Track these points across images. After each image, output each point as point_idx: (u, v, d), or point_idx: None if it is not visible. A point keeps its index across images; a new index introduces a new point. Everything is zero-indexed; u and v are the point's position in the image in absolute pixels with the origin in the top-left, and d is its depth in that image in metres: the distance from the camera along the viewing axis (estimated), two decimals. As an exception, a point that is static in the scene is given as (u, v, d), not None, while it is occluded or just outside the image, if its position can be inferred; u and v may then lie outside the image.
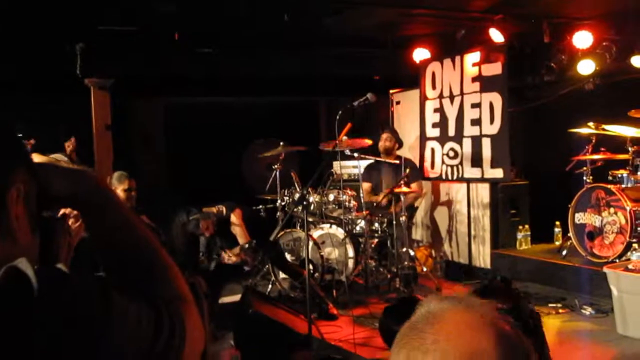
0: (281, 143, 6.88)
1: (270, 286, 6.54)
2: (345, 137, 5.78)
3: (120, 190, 5.25)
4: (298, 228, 6.73)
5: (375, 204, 6.89)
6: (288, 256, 6.42)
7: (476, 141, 7.24)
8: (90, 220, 1.16)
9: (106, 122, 7.37)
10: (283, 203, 6.83)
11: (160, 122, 8.80)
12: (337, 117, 5.06)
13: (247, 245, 6.20)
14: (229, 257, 6.61)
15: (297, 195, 6.53)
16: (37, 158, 1.11)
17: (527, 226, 7.26)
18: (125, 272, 1.15)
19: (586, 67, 7.06)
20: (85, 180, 1.14)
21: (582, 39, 6.81)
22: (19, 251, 0.97)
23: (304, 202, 5.06)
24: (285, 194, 6.82)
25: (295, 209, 6.03)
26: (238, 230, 6.05)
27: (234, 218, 6.08)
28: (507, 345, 0.93)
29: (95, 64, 7.06)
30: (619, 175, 6.32)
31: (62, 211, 1.23)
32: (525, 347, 0.96)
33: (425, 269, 6.97)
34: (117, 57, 7.23)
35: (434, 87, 7.80)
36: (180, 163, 8.49)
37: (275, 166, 6.91)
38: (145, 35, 6.96)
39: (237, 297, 5.22)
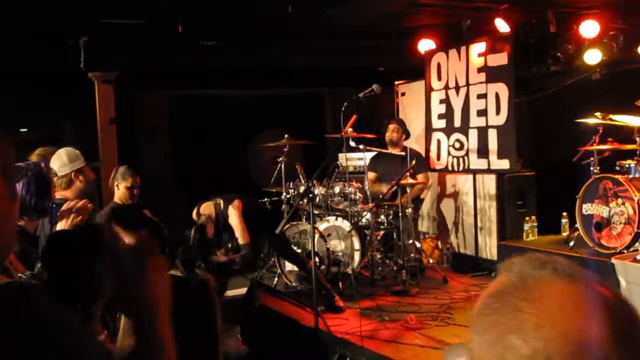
0: (286, 135, 6.85)
1: (276, 279, 6.54)
2: (350, 129, 5.76)
3: (122, 187, 5.22)
4: (304, 221, 6.72)
5: (380, 196, 6.86)
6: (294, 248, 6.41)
7: (482, 132, 7.20)
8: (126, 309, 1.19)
9: (110, 115, 7.36)
10: (288, 196, 6.81)
11: (166, 115, 8.78)
12: (343, 109, 5.03)
13: (239, 247, 6.12)
14: (219, 256, 6.56)
15: (302, 188, 6.51)
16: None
17: (534, 217, 7.22)
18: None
19: (593, 57, 7.01)
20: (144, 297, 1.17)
21: (589, 28, 6.76)
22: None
23: (310, 195, 5.04)
24: (291, 186, 6.80)
25: (300, 202, 6.01)
26: (235, 226, 6.00)
27: (231, 211, 6.02)
28: (621, 328, 0.78)
29: (99, 57, 7.05)
30: (627, 166, 6.27)
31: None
32: (636, 318, 0.82)
33: (431, 261, 6.95)
34: (121, 50, 7.21)
35: (439, 78, 7.75)
36: (186, 156, 8.47)
37: (280, 159, 6.89)
38: (149, 28, 6.94)
39: (243, 291, 5.21)
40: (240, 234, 5.98)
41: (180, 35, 6.96)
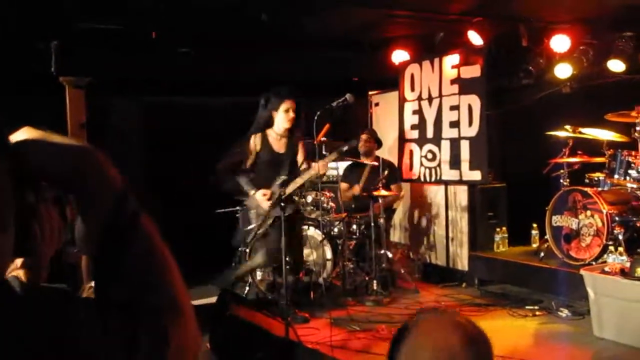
0: (259, 144, 6.82)
1: (247, 288, 6.49)
2: (324, 138, 5.76)
3: None
4: (276, 230, 6.68)
5: (354, 196, 6.89)
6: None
7: (454, 143, 7.25)
8: (82, 204, 1.01)
9: (81, 121, 7.26)
10: (261, 204, 6.77)
11: (139, 121, 8.69)
12: (315, 118, 5.03)
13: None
14: None
15: (275, 197, 6.48)
16: (22, 134, 0.97)
17: (504, 228, 7.28)
18: (114, 269, 0.99)
19: (563, 71, 7.12)
20: (79, 158, 0.99)
21: (560, 42, 6.86)
22: None
23: (282, 204, 5.02)
24: (264, 195, 6.76)
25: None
26: None
27: None
28: (472, 342, 1.30)
29: (70, 62, 6.95)
30: (596, 179, 6.37)
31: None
32: (488, 344, 1.34)
33: (403, 271, 6.97)
34: (94, 56, 7.13)
35: (412, 89, 7.80)
36: (159, 163, 8.39)
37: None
38: (123, 34, 6.87)
39: (213, 300, 5.16)
40: None
41: (155, 42, 6.90)
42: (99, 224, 0.98)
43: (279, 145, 5.77)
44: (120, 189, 1.02)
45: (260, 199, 5.64)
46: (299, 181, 5.59)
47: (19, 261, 1.00)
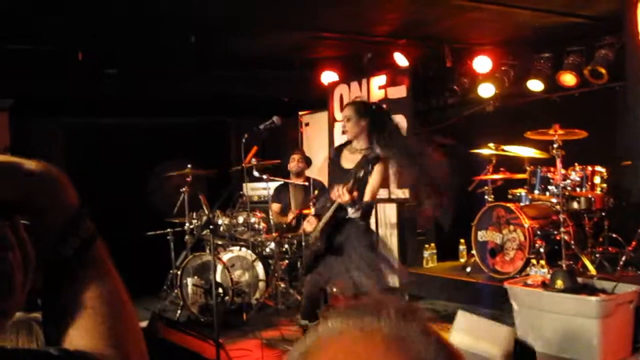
0: (189, 165, 6.78)
1: (179, 311, 6.42)
2: (253, 159, 5.78)
3: None
4: (207, 251, 6.64)
5: (284, 225, 6.89)
6: (196, 280, 6.32)
7: (383, 162, 7.37)
8: (34, 228, 0.93)
9: (4, 144, 7.07)
10: (191, 226, 6.73)
11: (62, 144, 8.50)
12: (244, 140, 5.06)
13: None
14: None
15: (205, 218, 6.45)
16: None
17: (433, 245, 7.44)
18: (56, 301, 0.91)
19: (486, 90, 7.37)
20: (28, 180, 0.91)
21: (482, 63, 7.12)
22: None
23: (212, 225, 5.01)
24: (194, 216, 6.72)
25: (203, 232, 5.95)
26: None
27: None
28: None
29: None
30: (518, 194, 6.61)
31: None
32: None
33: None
34: (17, 77, 6.96)
35: (342, 110, 7.89)
36: (83, 186, 8.23)
37: (183, 189, 6.80)
38: (48, 55, 6.74)
39: (143, 324, 5.08)
40: None
41: (80, 63, 6.80)
42: (47, 248, 0.91)
43: None
44: (73, 212, 0.94)
45: None
46: None
47: None
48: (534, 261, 5.87)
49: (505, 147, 6.57)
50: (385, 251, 5.04)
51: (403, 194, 7.19)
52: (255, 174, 6.65)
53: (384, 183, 4.80)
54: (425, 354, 0.66)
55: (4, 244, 0.88)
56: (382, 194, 7.34)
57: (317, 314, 4.79)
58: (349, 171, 4.64)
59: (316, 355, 0.69)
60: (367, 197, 4.53)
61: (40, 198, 0.92)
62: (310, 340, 0.71)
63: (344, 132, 4.83)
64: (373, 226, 7.46)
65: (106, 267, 0.96)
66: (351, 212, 4.49)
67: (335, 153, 4.95)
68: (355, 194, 4.37)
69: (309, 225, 4.83)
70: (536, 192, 6.22)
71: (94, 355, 0.86)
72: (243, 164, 5.21)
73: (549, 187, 6.13)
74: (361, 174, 4.38)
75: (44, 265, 0.92)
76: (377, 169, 4.54)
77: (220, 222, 6.49)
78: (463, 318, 4.55)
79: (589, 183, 5.97)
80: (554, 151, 5.72)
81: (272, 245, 6.64)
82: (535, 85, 7.10)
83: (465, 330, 4.41)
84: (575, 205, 6.11)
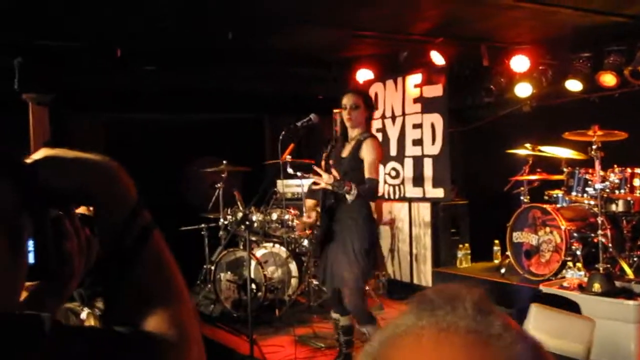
0: (224, 161, 6.84)
1: (212, 306, 6.48)
2: (289, 157, 5.80)
3: None
4: (241, 247, 6.70)
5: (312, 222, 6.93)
6: (230, 275, 6.36)
7: (418, 161, 7.36)
8: (97, 216, 0.98)
9: (45, 138, 7.19)
10: (226, 222, 6.79)
11: (102, 138, 8.64)
12: (281, 137, 5.07)
13: None
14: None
15: (239, 214, 6.50)
16: (40, 154, 0.95)
17: (467, 245, 7.39)
18: (119, 287, 0.96)
19: (523, 90, 7.29)
20: (88, 172, 0.96)
21: (519, 63, 7.03)
22: None
23: (247, 221, 5.03)
24: (229, 212, 6.78)
25: (238, 228, 5.99)
26: None
27: None
28: None
29: (34, 79, 6.90)
30: (554, 195, 6.53)
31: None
32: None
33: (367, 288, 7.01)
34: (58, 73, 7.08)
35: (376, 108, 7.89)
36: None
37: (218, 185, 6.87)
38: (87, 51, 6.85)
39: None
40: None
41: (119, 59, 6.89)
42: (109, 238, 0.97)
43: None
44: (132, 203, 0.99)
45: None
46: None
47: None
48: (570, 264, 5.80)
49: (542, 148, 6.50)
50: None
51: (438, 192, 7.15)
52: (290, 171, 6.67)
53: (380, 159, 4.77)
54: (509, 349, 0.61)
55: (61, 232, 0.93)
56: (417, 192, 7.33)
57: (344, 306, 4.71)
58: (344, 159, 4.69)
59: (390, 354, 0.65)
60: (367, 174, 4.51)
61: (100, 190, 0.97)
62: (382, 339, 0.68)
63: (349, 120, 4.75)
64: (407, 225, 7.50)
65: (165, 255, 1.00)
66: (349, 197, 4.45)
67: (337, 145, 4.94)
68: (335, 173, 4.41)
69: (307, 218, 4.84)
70: (574, 193, 6.13)
71: (160, 334, 0.91)
72: (280, 161, 5.22)
73: (587, 189, 6.03)
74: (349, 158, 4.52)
75: (106, 255, 0.97)
76: (369, 145, 4.57)
77: (254, 218, 6.53)
78: (538, 313, 4.42)
79: (628, 185, 5.86)
80: (593, 152, 5.63)
81: (306, 242, 6.66)
82: (573, 85, 6.99)
83: (541, 327, 4.29)
84: (613, 207, 6.01)
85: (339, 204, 4.58)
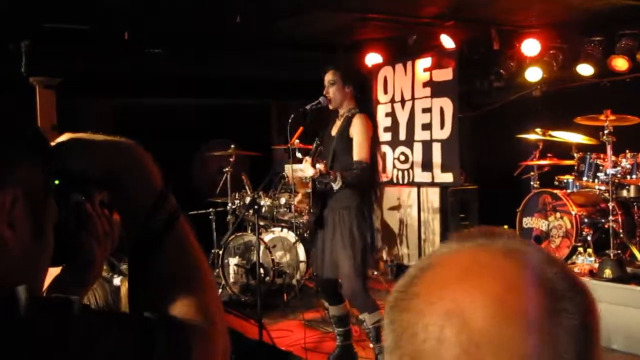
0: (232, 145, 6.81)
1: (220, 290, 6.47)
2: (297, 141, 5.76)
3: None
4: (249, 232, 6.68)
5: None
6: (238, 260, 6.36)
7: (427, 146, 7.31)
8: (121, 202, 0.98)
9: (52, 122, 7.17)
10: (234, 206, 6.77)
11: (110, 122, 8.63)
12: (289, 121, 5.03)
13: None
14: None
15: (248, 199, 6.48)
16: (65, 137, 0.95)
17: (476, 230, 7.35)
18: (146, 271, 0.95)
19: (534, 74, 7.22)
20: (115, 156, 0.97)
21: (530, 46, 6.96)
22: (11, 262, 0.82)
23: (255, 206, 5.01)
24: (236, 197, 6.76)
25: (246, 213, 5.98)
26: None
27: None
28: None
29: (41, 62, 6.87)
30: (565, 181, 6.48)
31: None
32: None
33: (375, 273, 6.99)
34: (65, 56, 7.05)
35: (385, 92, 7.84)
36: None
37: (226, 169, 6.84)
38: (95, 34, 6.81)
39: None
40: None
41: (127, 42, 6.85)
42: (135, 224, 0.96)
43: None
44: (158, 188, 0.99)
45: None
46: None
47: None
48: (580, 249, 5.76)
49: (553, 133, 6.44)
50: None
51: (447, 177, 7.11)
52: (298, 155, 6.64)
53: (373, 138, 4.41)
54: (543, 264, 0.66)
55: (81, 218, 0.94)
56: (426, 177, 7.29)
57: (336, 294, 4.61)
58: (332, 138, 4.49)
59: (437, 268, 0.70)
60: (356, 156, 4.24)
61: (127, 174, 0.97)
62: (427, 260, 0.72)
63: (329, 100, 4.58)
64: (416, 210, 7.46)
65: (190, 241, 1.00)
66: (334, 186, 4.19)
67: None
68: (321, 166, 4.11)
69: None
70: (584, 179, 6.08)
71: (187, 320, 0.91)
72: (289, 145, 5.18)
73: (598, 174, 5.98)
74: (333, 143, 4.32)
75: (133, 240, 0.96)
76: (357, 122, 4.34)
77: (262, 203, 6.51)
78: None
79: (640, 171, 5.81)
80: (605, 137, 5.58)
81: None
82: (585, 69, 6.92)
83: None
84: (624, 193, 5.96)
85: (329, 191, 4.35)
